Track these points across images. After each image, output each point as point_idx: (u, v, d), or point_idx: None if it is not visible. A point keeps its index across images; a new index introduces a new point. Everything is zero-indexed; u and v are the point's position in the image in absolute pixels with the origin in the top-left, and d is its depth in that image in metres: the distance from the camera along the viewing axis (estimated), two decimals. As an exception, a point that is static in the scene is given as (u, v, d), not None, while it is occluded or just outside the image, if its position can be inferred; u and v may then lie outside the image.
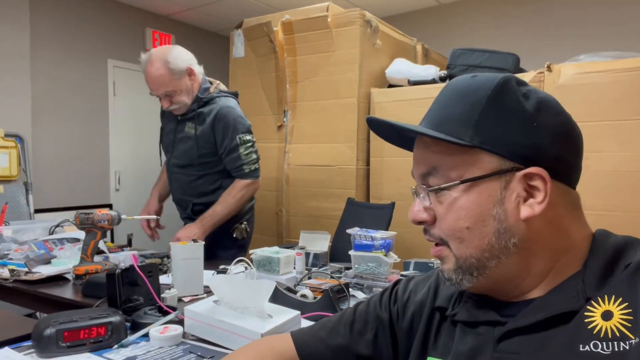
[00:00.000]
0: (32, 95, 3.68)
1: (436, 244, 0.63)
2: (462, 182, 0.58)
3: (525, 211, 0.56)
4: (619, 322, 0.50)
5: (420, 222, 0.63)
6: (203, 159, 2.06)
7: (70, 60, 4.12)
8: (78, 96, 4.18)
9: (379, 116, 2.70)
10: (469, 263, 0.59)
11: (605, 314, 0.51)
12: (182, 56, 2.00)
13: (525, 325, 0.56)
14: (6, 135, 3.46)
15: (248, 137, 2.06)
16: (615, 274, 0.54)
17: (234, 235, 2.16)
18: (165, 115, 2.19)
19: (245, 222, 2.21)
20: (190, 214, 2.16)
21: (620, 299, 0.51)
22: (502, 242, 0.57)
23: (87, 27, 4.23)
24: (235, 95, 2.19)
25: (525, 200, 0.56)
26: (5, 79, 3.49)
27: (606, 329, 0.50)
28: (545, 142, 0.57)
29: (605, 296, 0.52)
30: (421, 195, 0.62)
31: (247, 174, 2.06)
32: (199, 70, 2.06)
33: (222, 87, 2.19)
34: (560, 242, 0.58)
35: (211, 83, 2.15)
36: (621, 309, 0.50)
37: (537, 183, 0.56)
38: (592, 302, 0.52)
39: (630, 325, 0.49)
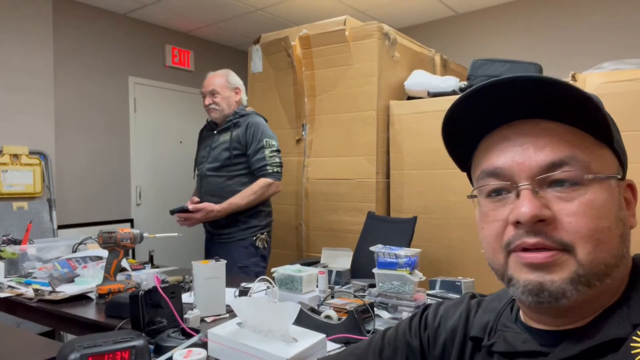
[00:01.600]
0: (55, 113, 3.76)
1: (548, 249, 0.52)
2: (608, 178, 0.52)
3: (633, 220, 0.54)
4: None
5: (540, 220, 0.51)
6: (235, 159, 2.33)
7: (92, 78, 4.20)
8: (100, 113, 4.26)
9: (398, 128, 2.71)
10: (597, 270, 0.51)
11: None
12: (237, 79, 2.49)
13: (571, 356, 0.52)
14: (30, 153, 3.52)
15: (274, 143, 2.36)
16: None
17: (257, 245, 2.35)
18: (203, 137, 2.56)
19: (266, 233, 2.41)
20: (224, 221, 2.34)
21: None
22: (624, 248, 0.53)
23: (109, 46, 4.32)
24: (264, 119, 2.49)
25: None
26: (30, 98, 3.57)
27: None
28: (624, 153, 0.57)
29: None
30: (533, 187, 0.52)
31: (270, 174, 2.30)
32: (244, 95, 2.50)
33: (255, 112, 2.54)
34: (627, 265, 0.56)
35: (248, 107, 2.55)
36: None
37: (629, 196, 0.55)
38: (638, 331, 0.49)
39: None
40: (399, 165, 2.71)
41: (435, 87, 2.68)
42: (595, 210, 0.51)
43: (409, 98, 2.81)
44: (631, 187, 0.56)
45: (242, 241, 2.32)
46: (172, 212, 2.28)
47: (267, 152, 2.31)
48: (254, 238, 2.35)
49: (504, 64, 2.49)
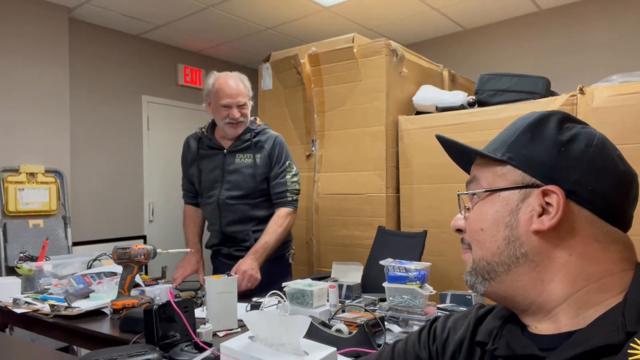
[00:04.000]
0: (70, 132, 3.85)
1: (466, 250, 0.69)
2: (486, 190, 0.66)
3: (535, 224, 0.60)
4: None
5: (457, 230, 0.70)
6: (263, 184, 2.14)
7: (107, 97, 4.30)
8: (114, 131, 4.35)
9: (407, 143, 2.73)
10: (482, 266, 0.65)
11: None
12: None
13: (566, 359, 0.55)
14: (46, 171, 3.60)
15: (294, 167, 2.21)
16: None
17: (289, 261, 2.28)
18: (201, 155, 2.22)
19: (293, 247, 2.32)
20: (253, 242, 2.10)
21: None
22: (511, 249, 0.62)
23: (123, 66, 4.43)
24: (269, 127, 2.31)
25: (539, 215, 0.60)
26: (46, 117, 3.66)
27: None
28: (569, 166, 0.60)
29: None
30: (461, 204, 0.71)
31: (289, 203, 2.15)
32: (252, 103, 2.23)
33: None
34: (584, 268, 0.59)
35: (254, 117, 2.28)
36: None
37: (552, 200, 0.60)
38: (636, 339, 0.51)
39: None
40: (408, 180, 2.72)
41: (444, 101, 2.70)
42: (476, 216, 0.66)
43: (418, 113, 2.84)
44: (554, 192, 0.60)
45: (278, 260, 2.17)
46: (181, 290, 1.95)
47: (288, 177, 2.15)
48: (288, 254, 2.26)
49: (512, 78, 2.51)
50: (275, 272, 2.10)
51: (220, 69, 5.23)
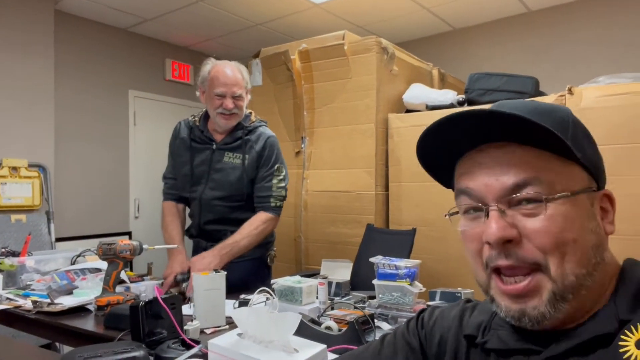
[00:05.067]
0: (55, 126, 3.77)
1: (525, 274, 0.56)
2: (573, 194, 0.55)
3: (609, 227, 0.58)
4: None
5: (507, 241, 0.55)
6: (249, 187, 2.03)
7: (93, 91, 4.23)
8: (100, 126, 4.28)
9: (397, 141, 2.73)
10: (568, 283, 0.54)
11: (639, 343, 0.50)
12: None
13: (561, 352, 0.55)
14: (30, 166, 3.53)
15: (283, 172, 2.08)
16: None
17: (268, 262, 2.17)
18: (192, 148, 2.10)
19: (274, 248, 2.23)
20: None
21: None
22: (598, 256, 0.56)
23: (109, 59, 4.36)
24: (265, 124, 2.21)
25: (602, 219, 0.59)
26: (30, 111, 3.59)
27: (636, 357, 0.49)
28: (603, 170, 0.62)
29: (638, 324, 0.51)
30: (500, 207, 0.56)
31: (272, 208, 2.02)
32: (249, 96, 2.11)
33: (257, 117, 2.20)
34: (606, 272, 0.58)
35: (250, 111, 2.16)
36: None
37: (607, 205, 0.59)
38: (626, 330, 0.51)
39: None
40: (397, 178, 2.72)
41: (434, 100, 2.70)
42: (558, 224, 0.54)
43: (408, 111, 2.84)
44: (608, 197, 0.60)
45: (256, 261, 2.09)
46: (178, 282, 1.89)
47: (274, 180, 2.03)
48: (267, 256, 2.16)
49: (501, 77, 2.52)
50: (252, 273, 2.04)
51: (209, 64, 5.10)
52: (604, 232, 0.58)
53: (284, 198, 2.07)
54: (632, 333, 0.51)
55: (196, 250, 2.17)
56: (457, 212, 0.63)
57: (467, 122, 0.58)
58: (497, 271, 0.57)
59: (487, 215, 0.57)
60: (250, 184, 2.04)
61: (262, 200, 2.02)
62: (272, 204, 2.02)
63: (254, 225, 1.96)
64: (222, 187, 2.03)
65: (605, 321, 0.54)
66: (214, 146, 2.05)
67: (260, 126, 2.11)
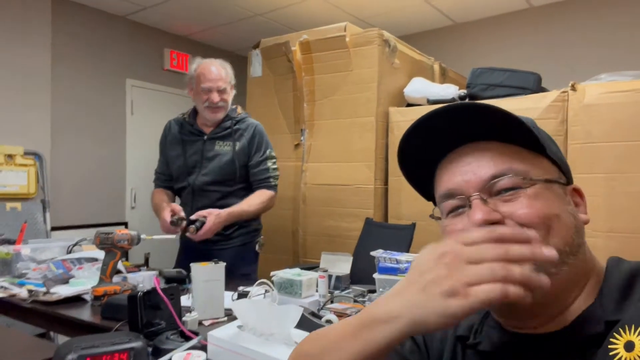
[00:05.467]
0: (51, 114, 3.73)
1: None
2: (548, 181, 0.59)
3: (583, 216, 0.61)
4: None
5: (492, 224, 0.56)
6: (241, 171, 2.17)
7: (90, 79, 4.18)
8: (96, 115, 4.23)
9: (397, 135, 2.71)
10: None
11: (628, 345, 0.50)
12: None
13: (552, 354, 0.55)
14: (25, 153, 3.49)
15: (274, 155, 2.25)
16: (633, 299, 0.54)
17: (256, 249, 2.26)
18: (183, 141, 2.22)
19: (262, 236, 2.31)
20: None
21: None
22: (578, 239, 0.58)
23: (107, 48, 4.31)
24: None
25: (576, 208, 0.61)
26: (27, 98, 3.55)
27: (626, 359, 0.49)
28: (569, 169, 0.64)
29: (626, 326, 0.51)
30: (482, 196, 0.58)
31: (273, 187, 2.21)
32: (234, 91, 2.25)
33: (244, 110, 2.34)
34: (587, 266, 0.59)
35: (235, 105, 2.28)
36: None
37: (577, 199, 0.62)
38: (615, 333, 0.52)
39: None
40: (397, 172, 2.71)
41: (435, 94, 2.68)
42: (540, 202, 0.57)
43: (409, 105, 2.82)
44: (577, 191, 0.63)
45: (244, 247, 2.19)
46: (175, 223, 1.95)
47: (270, 163, 2.20)
48: (255, 242, 2.25)
49: (504, 72, 2.50)
50: (240, 258, 2.14)
51: (208, 54, 5.15)
52: (581, 219, 0.60)
53: (278, 177, 2.26)
54: (621, 335, 0.51)
55: (186, 243, 2.20)
56: (439, 218, 0.65)
57: (441, 119, 0.61)
58: None
59: (470, 207, 0.59)
60: (242, 169, 2.17)
61: (263, 181, 2.18)
62: (272, 183, 2.20)
63: (260, 199, 2.14)
64: (215, 173, 2.15)
65: (593, 322, 0.54)
66: (205, 137, 2.18)
67: (247, 117, 2.26)
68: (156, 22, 4.54)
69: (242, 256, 2.17)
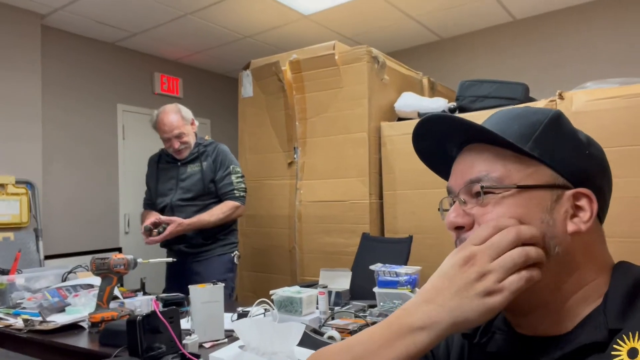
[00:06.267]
0: (42, 141, 3.72)
1: None
2: (519, 187, 0.59)
3: (571, 226, 0.58)
4: None
5: (457, 228, 0.62)
6: (209, 187, 2.45)
7: (81, 105, 4.18)
8: (88, 141, 4.22)
9: (390, 149, 2.73)
10: None
11: (632, 352, 0.50)
12: (187, 110, 2.53)
13: (555, 359, 0.55)
14: (17, 182, 3.47)
15: (239, 170, 2.52)
16: (638, 307, 0.54)
17: (234, 261, 2.52)
18: (160, 168, 2.58)
19: (238, 250, 2.57)
20: (200, 240, 2.43)
21: None
22: (548, 246, 0.57)
23: (97, 73, 4.32)
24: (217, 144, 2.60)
25: (572, 217, 0.59)
26: (17, 126, 3.54)
27: None
28: (593, 171, 0.62)
29: (630, 333, 0.51)
30: (462, 198, 0.62)
31: (237, 198, 2.45)
32: (197, 123, 2.58)
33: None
34: (589, 268, 0.59)
35: (203, 136, 2.62)
36: None
37: (583, 203, 0.59)
38: (618, 340, 0.52)
39: None
40: (391, 186, 2.72)
41: (425, 107, 2.71)
42: (499, 211, 0.58)
43: (400, 119, 2.84)
44: (585, 195, 0.60)
45: (222, 257, 2.47)
46: (147, 228, 2.29)
47: (233, 177, 2.46)
48: (232, 254, 2.51)
49: (492, 84, 2.54)
50: (217, 267, 2.43)
51: (198, 77, 5.18)
52: (563, 228, 0.58)
53: (245, 190, 2.51)
54: (624, 342, 0.51)
55: (169, 256, 2.47)
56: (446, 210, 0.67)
57: (438, 127, 0.66)
58: None
59: None
60: (211, 184, 2.45)
61: (227, 193, 2.45)
62: (237, 194, 2.45)
63: (221, 209, 2.40)
64: (189, 190, 2.45)
65: (595, 329, 0.54)
66: (179, 163, 2.51)
67: (213, 142, 2.57)
68: (145, 47, 4.57)
69: (220, 265, 2.45)
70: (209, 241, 2.45)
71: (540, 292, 0.58)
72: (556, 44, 3.95)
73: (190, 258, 2.44)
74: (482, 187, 0.60)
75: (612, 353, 0.51)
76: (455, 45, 4.47)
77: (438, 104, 2.70)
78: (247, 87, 3.17)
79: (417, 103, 2.77)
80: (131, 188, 4.51)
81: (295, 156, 2.97)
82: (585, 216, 0.59)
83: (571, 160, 0.61)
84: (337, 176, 2.80)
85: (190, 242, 2.42)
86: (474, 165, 0.62)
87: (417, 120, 2.68)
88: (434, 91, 3.41)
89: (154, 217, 2.33)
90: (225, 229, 2.49)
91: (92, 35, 4.22)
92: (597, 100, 2.16)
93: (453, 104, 2.67)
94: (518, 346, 0.60)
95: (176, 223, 2.29)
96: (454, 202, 0.64)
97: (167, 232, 2.27)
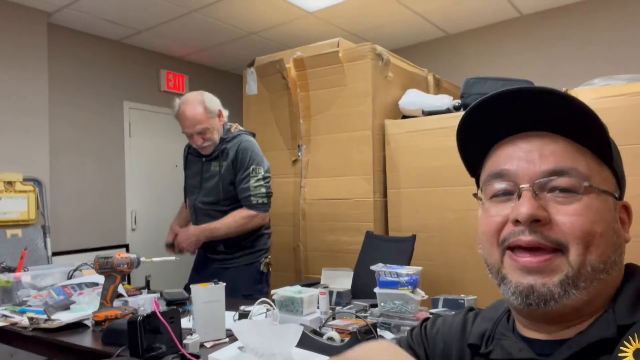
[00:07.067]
0: (50, 139, 3.75)
1: (542, 249, 0.55)
2: (605, 192, 0.56)
3: (627, 235, 0.59)
4: None
5: (535, 220, 0.55)
6: (228, 191, 2.18)
7: (87, 103, 4.21)
8: (95, 138, 4.25)
9: (394, 147, 2.72)
10: (584, 272, 0.54)
11: (637, 353, 0.50)
12: (214, 99, 2.21)
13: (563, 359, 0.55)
14: (25, 180, 3.50)
15: (261, 171, 2.19)
16: None
17: (262, 269, 2.24)
18: (189, 161, 2.35)
19: (269, 256, 2.31)
20: (223, 248, 2.22)
21: None
22: (616, 256, 0.56)
23: (104, 71, 4.34)
24: (253, 135, 2.32)
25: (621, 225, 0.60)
26: (24, 124, 3.57)
27: None
28: (624, 181, 0.62)
29: (636, 334, 0.51)
30: (536, 192, 0.56)
31: (254, 206, 2.16)
32: (225, 113, 2.25)
33: (241, 128, 2.35)
34: (617, 277, 0.59)
35: (231, 125, 2.31)
36: None
37: (624, 216, 0.60)
38: (624, 341, 0.51)
39: None
40: (396, 184, 2.71)
41: (430, 105, 2.70)
42: (589, 215, 0.54)
43: (404, 117, 2.83)
44: (626, 208, 0.61)
45: (248, 267, 2.20)
46: (168, 245, 2.25)
47: (252, 181, 2.15)
48: (260, 262, 2.24)
49: (497, 81, 2.52)
50: (244, 278, 2.17)
51: (204, 74, 5.16)
52: (623, 237, 0.59)
53: (265, 195, 2.19)
54: (631, 343, 0.51)
55: (197, 260, 2.36)
56: (481, 198, 0.63)
57: (510, 103, 0.58)
58: (513, 249, 0.57)
59: (519, 197, 0.57)
60: (231, 187, 2.19)
61: (243, 199, 2.17)
62: (253, 202, 2.15)
63: (235, 219, 2.14)
64: (210, 194, 2.22)
65: (604, 326, 0.54)
66: (204, 159, 2.26)
67: (238, 135, 2.25)
68: (151, 44, 4.58)
69: (246, 276, 2.19)
70: (232, 249, 2.20)
71: (595, 300, 0.56)
72: (563, 40, 3.91)
73: (215, 264, 2.23)
74: (584, 184, 0.54)
75: (619, 354, 0.51)
76: (462, 41, 4.43)
77: (443, 102, 2.69)
78: (251, 85, 3.18)
79: (421, 100, 2.76)
80: (138, 185, 4.54)
81: (299, 154, 2.97)
82: (627, 227, 0.60)
83: (622, 169, 0.61)
84: (341, 174, 2.80)
85: (215, 248, 2.22)
86: (553, 156, 0.56)
87: (421, 118, 2.63)
88: (439, 88, 3.39)
89: (174, 231, 2.26)
90: (251, 234, 2.21)
91: (98, 32, 4.24)
92: (604, 98, 2.13)
93: (458, 102, 2.65)
94: (527, 350, 0.59)
95: (186, 235, 2.15)
96: (519, 192, 0.57)
97: (179, 248, 2.17)
